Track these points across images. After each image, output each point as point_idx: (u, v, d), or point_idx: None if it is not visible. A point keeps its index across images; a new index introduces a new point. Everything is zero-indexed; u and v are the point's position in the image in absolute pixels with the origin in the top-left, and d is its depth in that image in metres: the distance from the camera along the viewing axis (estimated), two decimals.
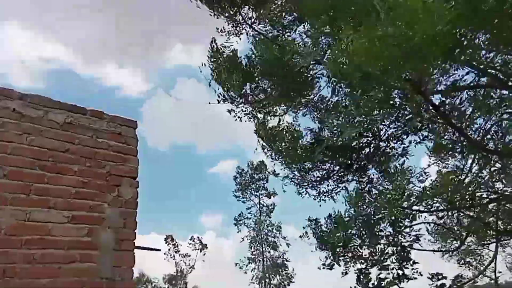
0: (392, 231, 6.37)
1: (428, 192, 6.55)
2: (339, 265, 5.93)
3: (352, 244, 5.72)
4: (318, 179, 5.98)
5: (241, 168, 36.47)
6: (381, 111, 5.50)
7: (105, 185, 2.60)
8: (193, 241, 39.74)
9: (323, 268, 5.79)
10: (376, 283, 5.83)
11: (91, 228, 2.46)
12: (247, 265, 34.70)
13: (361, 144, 5.86)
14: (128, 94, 64.11)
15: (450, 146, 6.96)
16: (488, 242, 10.60)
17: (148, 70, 60.92)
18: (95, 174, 2.58)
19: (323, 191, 6.24)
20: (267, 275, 33.38)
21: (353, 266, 6.34)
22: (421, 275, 6.69)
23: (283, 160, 5.84)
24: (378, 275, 6.01)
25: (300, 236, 6.24)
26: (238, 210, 38.26)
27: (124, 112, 2.86)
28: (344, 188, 6.27)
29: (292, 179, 6.00)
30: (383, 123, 6.10)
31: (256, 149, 5.92)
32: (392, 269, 6.43)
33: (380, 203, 5.55)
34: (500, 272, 11.73)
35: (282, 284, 34.05)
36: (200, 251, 39.80)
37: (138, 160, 2.83)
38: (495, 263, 11.08)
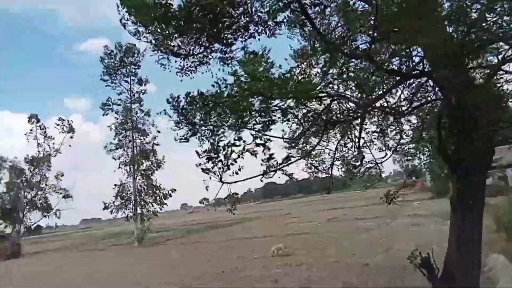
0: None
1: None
2: (197, 139, 5.41)
3: (210, 122, 5.23)
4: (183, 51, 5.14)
5: (109, 48, 33.09)
6: None
7: None
8: (62, 123, 38.77)
9: (180, 141, 5.28)
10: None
11: None
12: (115, 150, 33.73)
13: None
14: None
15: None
16: None
17: None
18: None
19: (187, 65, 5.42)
20: (135, 160, 32.50)
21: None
22: None
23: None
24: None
25: (158, 113, 5.54)
26: (108, 95, 37.09)
27: None
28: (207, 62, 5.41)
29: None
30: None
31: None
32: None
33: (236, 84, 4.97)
34: None
35: (151, 169, 33.36)
36: (68, 133, 38.81)
37: None
38: None
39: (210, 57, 5.34)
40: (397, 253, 12.97)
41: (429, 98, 6.51)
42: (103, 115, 33.90)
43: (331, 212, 37.18)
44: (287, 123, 6.09)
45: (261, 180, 5.50)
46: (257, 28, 5.09)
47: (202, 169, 5.47)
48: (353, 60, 5.53)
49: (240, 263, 15.56)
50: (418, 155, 9.32)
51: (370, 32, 4.40)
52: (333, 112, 6.40)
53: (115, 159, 33.46)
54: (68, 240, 54.84)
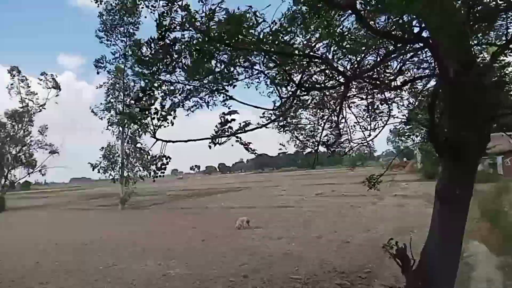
0: None
1: None
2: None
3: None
4: None
5: (110, 4, 29.07)
6: None
7: None
8: (45, 78, 37.64)
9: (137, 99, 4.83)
10: None
11: None
12: (103, 111, 32.60)
13: None
14: None
15: None
16: None
17: None
18: None
19: None
20: (123, 121, 29.83)
21: None
22: None
23: None
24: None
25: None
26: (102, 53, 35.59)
27: None
28: None
29: None
30: None
31: None
32: None
33: None
34: None
35: (138, 132, 30.86)
36: (54, 89, 37.86)
37: None
38: None
39: None
40: (379, 233, 12.91)
41: (423, 73, 5.98)
42: (97, 73, 32.63)
43: (320, 187, 37.31)
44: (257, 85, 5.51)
45: (209, 147, 4.84)
46: None
47: (132, 118, 4.85)
48: (338, 16, 4.83)
49: (221, 231, 15.46)
50: (411, 136, 8.92)
51: None
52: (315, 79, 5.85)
53: (101, 119, 32.58)
54: (55, 197, 54.91)
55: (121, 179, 31.66)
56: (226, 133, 4.59)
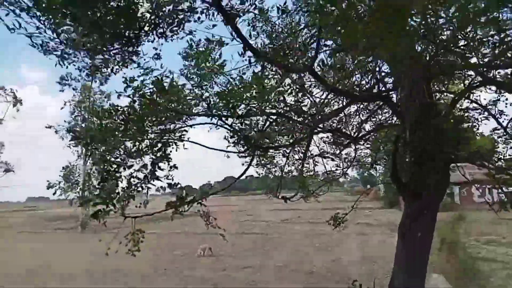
0: None
1: None
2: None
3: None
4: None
5: None
6: None
7: None
8: (5, 92, 36.80)
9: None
10: None
11: None
12: (67, 132, 31.90)
13: None
14: None
15: None
16: None
17: None
18: None
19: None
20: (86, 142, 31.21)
21: None
22: None
23: None
24: None
25: (118, 96, 4.88)
26: (69, 69, 35.11)
27: None
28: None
29: None
30: None
31: None
32: None
33: None
34: None
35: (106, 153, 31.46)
36: (13, 106, 37.02)
37: None
38: None
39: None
40: (343, 263, 13.03)
41: (384, 123, 6.29)
42: (60, 90, 31.62)
43: (286, 212, 37.27)
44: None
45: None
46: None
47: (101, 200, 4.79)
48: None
49: (184, 260, 15.01)
50: (373, 165, 9.26)
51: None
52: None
53: (63, 139, 31.43)
54: (9, 218, 51.36)
55: (82, 201, 30.16)
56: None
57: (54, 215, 55.56)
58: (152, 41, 4.22)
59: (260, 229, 24.87)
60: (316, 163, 7.56)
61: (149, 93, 4.24)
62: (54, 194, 30.52)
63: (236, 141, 5.42)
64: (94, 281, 12.10)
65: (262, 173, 7.92)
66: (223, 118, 4.95)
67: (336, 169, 7.51)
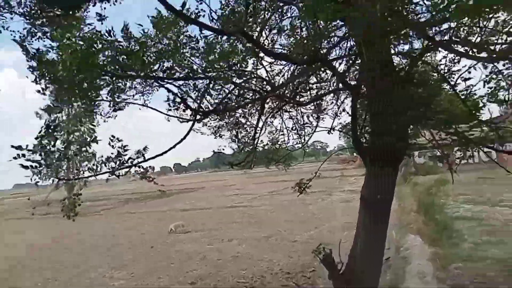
0: None
1: None
2: None
3: None
4: None
5: None
6: None
7: None
8: None
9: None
10: None
11: None
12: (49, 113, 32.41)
13: None
14: None
15: None
16: None
17: None
18: None
19: None
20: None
21: None
22: None
23: None
24: None
25: None
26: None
27: None
28: None
29: None
30: None
31: None
32: None
33: None
34: None
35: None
36: None
37: None
38: None
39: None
40: (326, 230, 13.36)
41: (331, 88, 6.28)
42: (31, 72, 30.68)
43: (273, 184, 37.72)
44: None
45: (107, 179, 4.87)
46: None
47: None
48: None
49: (171, 237, 15.20)
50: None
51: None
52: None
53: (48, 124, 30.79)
54: None
55: (65, 185, 29.93)
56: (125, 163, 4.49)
57: (40, 200, 55.14)
58: (94, 5, 4.08)
59: (247, 202, 25.22)
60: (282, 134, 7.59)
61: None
62: (38, 179, 29.72)
63: (176, 105, 5.33)
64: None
65: (236, 149, 7.89)
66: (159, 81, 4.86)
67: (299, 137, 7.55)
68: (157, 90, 5.21)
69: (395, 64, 4.82)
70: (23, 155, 4.25)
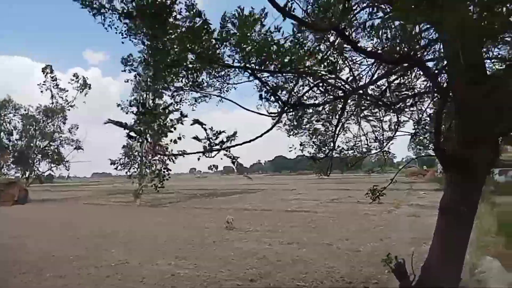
0: None
1: None
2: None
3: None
4: None
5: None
6: None
7: None
8: (76, 78, 39.03)
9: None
10: None
11: None
12: (128, 107, 33.41)
13: None
14: None
15: None
16: None
17: None
18: None
19: None
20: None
21: None
22: None
23: None
24: None
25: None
26: (128, 49, 34.54)
27: None
28: None
29: None
30: None
31: None
32: None
33: None
34: None
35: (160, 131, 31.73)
36: (81, 91, 39.28)
37: None
38: None
39: None
40: (391, 243, 12.72)
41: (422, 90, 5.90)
42: (122, 70, 33.51)
43: (336, 192, 36.92)
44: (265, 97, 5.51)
45: (198, 159, 5.01)
46: None
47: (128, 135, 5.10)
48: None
49: (232, 233, 15.57)
50: (429, 145, 8.77)
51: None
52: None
53: (127, 114, 33.30)
54: (76, 191, 56.37)
55: (139, 177, 32.28)
56: (216, 146, 4.67)
57: (115, 188, 60.01)
58: None
59: (309, 207, 24.97)
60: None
61: None
62: (116, 169, 32.62)
63: (266, 96, 5.38)
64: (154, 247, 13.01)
65: (313, 153, 7.77)
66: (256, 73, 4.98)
67: (375, 140, 7.24)
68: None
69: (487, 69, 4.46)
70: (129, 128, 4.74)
